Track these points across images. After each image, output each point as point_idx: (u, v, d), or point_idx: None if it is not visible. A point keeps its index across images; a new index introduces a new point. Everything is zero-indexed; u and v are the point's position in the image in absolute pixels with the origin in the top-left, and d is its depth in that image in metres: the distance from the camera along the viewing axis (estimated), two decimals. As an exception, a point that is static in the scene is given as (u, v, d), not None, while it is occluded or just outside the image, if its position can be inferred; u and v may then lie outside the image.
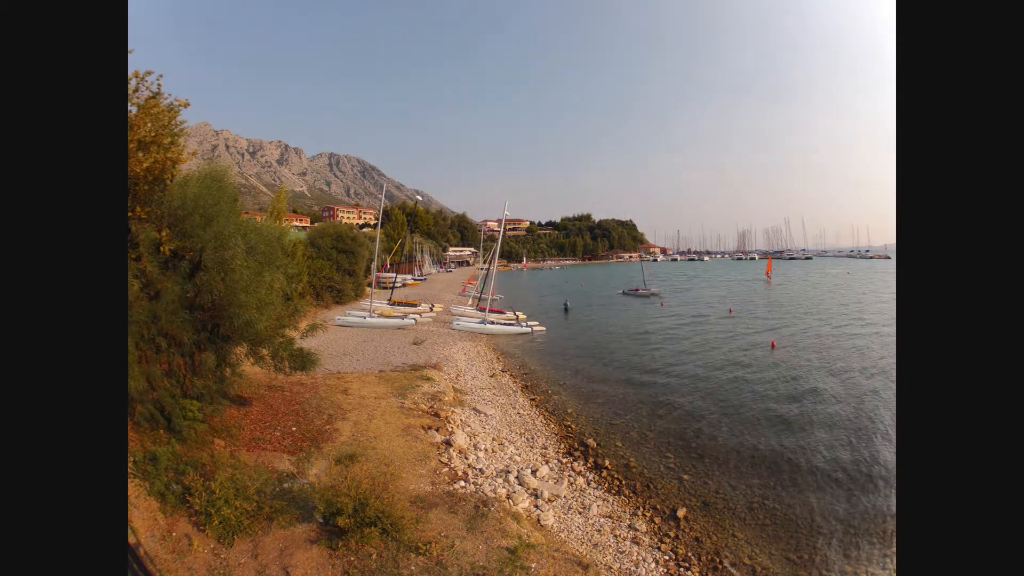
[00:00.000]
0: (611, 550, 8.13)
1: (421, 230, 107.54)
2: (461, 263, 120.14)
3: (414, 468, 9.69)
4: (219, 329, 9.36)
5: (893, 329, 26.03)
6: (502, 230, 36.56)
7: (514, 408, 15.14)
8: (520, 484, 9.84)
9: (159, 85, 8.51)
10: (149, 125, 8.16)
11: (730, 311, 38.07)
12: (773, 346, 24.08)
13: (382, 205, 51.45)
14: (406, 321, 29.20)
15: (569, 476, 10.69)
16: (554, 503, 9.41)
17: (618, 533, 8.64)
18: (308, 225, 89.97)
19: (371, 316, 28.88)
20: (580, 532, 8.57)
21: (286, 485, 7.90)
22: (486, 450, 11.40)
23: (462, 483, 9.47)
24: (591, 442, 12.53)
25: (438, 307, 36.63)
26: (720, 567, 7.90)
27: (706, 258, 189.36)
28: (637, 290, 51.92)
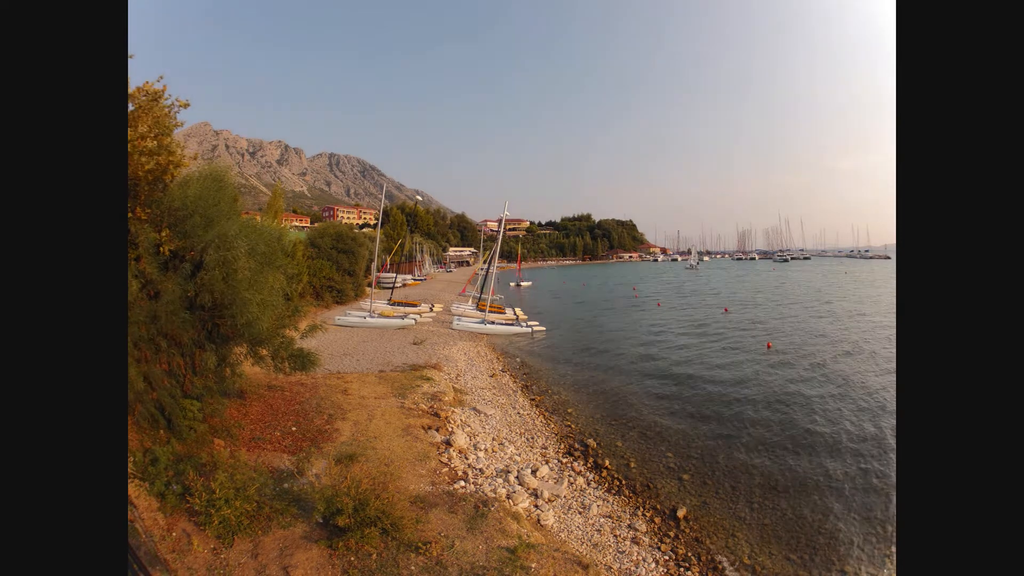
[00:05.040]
0: (611, 550, 8.13)
1: (421, 230, 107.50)
2: (461, 263, 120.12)
3: (414, 468, 9.68)
4: (219, 329, 9.36)
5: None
6: (502, 230, 36.42)
7: (514, 408, 15.13)
8: (520, 484, 9.83)
9: (163, 89, 8.51)
10: (150, 127, 8.16)
11: (725, 310, 38.20)
12: (768, 347, 24.18)
13: (382, 205, 51.43)
14: (406, 321, 29.17)
15: (569, 476, 10.68)
16: (554, 503, 9.41)
17: (618, 533, 8.63)
18: (308, 225, 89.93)
19: (371, 316, 28.86)
20: (580, 532, 8.57)
21: (286, 485, 7.90)
22: (486, 450, 11.40)
23: (462, 483, 9.47)
24: (591, 442, 12.53)
25: (438, 307, 36.60)
26: (720, 568, 7.90)
27: (705, 258, 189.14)
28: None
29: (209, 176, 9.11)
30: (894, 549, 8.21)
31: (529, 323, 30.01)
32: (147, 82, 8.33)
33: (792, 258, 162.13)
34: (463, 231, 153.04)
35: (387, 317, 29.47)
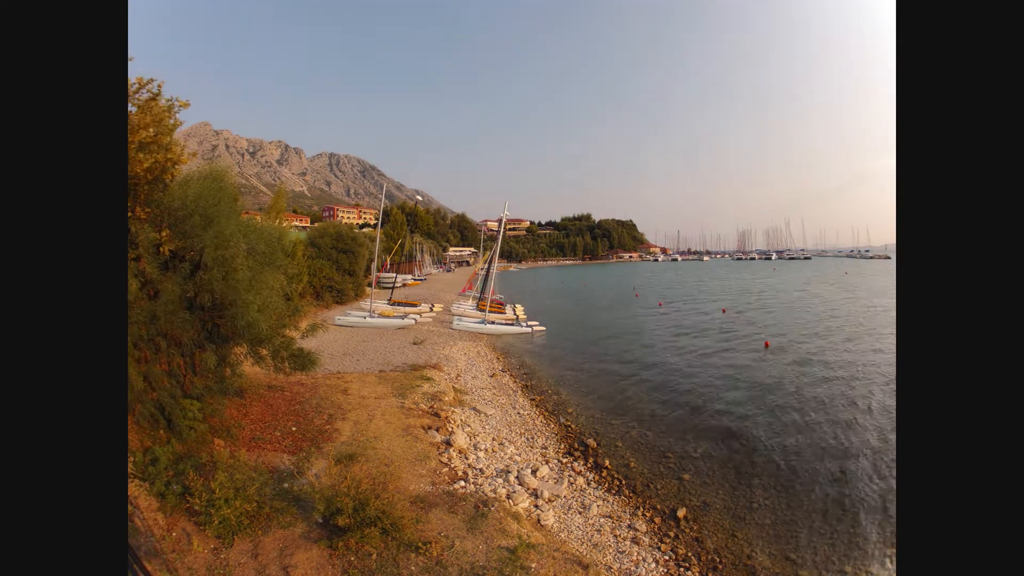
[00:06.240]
0: (611, 550, 8.13)
1: (421, 230, 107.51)
2: (461, 263, 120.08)
3: (414, 468, 9.69)
4: (219, 329, 9.36)
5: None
6: (502, 230, 36.40)
7: (514, 408, 15.13)
8: (520, 484, 9.83)
9: (160, 87, 8.52)
10: (149, 126, 8.16)
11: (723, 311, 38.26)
12: (767, 346, 24.21)
13: (382, 205, 51.48)
14: (406, 321, 29.18)
15: (569, 476, 10.68)
16: (554, 503, 9.41)
17: (618, 533, 8.63)
18: (308, 225, 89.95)
19: (371, 316, 28.87)
20: (580, 532, 8.57)
21: (286, 485, 7.90)
22: (486, 450, 11.40)
23: (462, 483, 9.47)
24: (591, 442, 12.52)
25: (438, 307, 36.59)
26: (720, 568, 7.90)
27: (705, 258, 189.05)
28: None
29: (209, 176, 9.11)
30: (894, 549, 8.21)
31: (529, 323, 30.01)
32: (139, 77, 8.35)
33: (792, 258, 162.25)
34: (463, 231, 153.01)
35: (387, 317, 29.48)
